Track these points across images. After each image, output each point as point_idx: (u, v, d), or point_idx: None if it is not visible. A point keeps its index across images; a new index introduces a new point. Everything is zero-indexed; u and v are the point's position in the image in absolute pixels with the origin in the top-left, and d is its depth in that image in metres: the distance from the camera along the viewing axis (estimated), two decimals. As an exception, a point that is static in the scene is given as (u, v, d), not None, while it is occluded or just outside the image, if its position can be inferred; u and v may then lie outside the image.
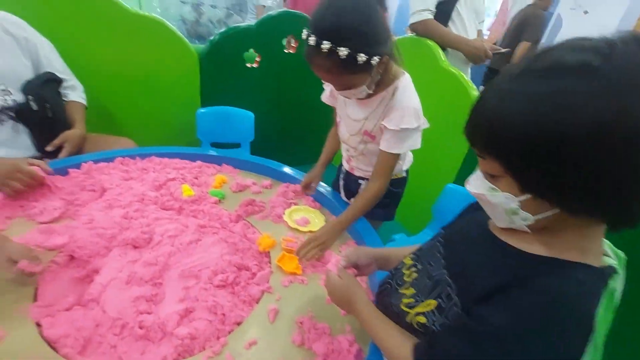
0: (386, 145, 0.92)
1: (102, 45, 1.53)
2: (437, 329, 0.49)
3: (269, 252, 0.90)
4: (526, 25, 3.01)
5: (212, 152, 1.31)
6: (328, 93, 1.09)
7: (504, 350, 0.39)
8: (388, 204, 1.12)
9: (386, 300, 0.62)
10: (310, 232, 1.00)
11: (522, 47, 2.97)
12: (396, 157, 0.94)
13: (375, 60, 0.76)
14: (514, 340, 0.39)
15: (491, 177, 0.44)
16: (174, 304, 0.71)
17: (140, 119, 1.75)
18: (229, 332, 0.68)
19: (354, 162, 1.11)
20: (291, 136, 2.18)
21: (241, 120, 1.73)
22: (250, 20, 2.62)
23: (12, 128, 1.15)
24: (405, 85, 0.90)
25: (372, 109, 0.93)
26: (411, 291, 0.58)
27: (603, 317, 0.41)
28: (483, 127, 0.41)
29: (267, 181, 1.22)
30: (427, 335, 0.51)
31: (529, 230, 0.44)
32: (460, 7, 1.62)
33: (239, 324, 0.70)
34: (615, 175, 0.34)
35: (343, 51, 0.71)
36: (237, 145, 1.76)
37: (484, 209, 0.49)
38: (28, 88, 1.17)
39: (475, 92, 1.49)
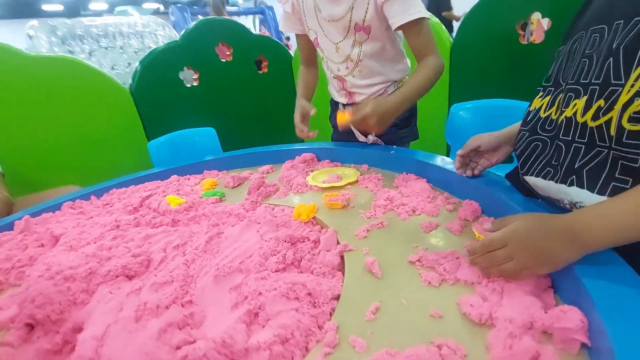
0: (404, 11, 0.73)
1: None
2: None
3: (314, 219, 0.66)
4: None
5: (187, 164, 1.05)
6: (288, 17, 0.92)
7: None
8: (409, 117, 0.95)
9: (550, 150, 0.43)
10: (349, 183, 0.78)
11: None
12: (425, 23, 0.76)
13: None
14: None
15: None
16: (227, 314, 0.44)
17: (85, 170, 1.44)
18: (331, 313, 0.42)
19: (351, 81, 0.89)
20: (259, 137, 1.97)
21: (203, 139, 1.49)
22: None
23: None
24: None
25: None
26: (578, 104, 0.40)
27: None
28: None
29: (265, 167, 0.98)
30: None
31: None
32: None
33: (337, 298, 0.45)
34: None
35: None
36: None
37: None
38: None
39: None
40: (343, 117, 0.76)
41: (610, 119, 0.37)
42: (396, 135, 0.92)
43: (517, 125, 0.55)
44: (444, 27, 1.41)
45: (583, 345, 0.32)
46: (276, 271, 0.50)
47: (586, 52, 0.41)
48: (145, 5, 11.03)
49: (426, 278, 0.44)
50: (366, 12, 0.77)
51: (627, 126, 0.35)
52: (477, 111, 1.21)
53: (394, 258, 0.50)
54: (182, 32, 1.65)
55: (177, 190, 0.89)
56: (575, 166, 0.41)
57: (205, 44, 1.71)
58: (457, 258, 0.47)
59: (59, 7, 9.86)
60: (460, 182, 0.65)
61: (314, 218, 0.66)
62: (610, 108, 0.37)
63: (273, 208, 0.73)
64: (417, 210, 0.62)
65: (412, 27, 0.75)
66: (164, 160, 1.39)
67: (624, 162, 0.36)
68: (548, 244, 0.37)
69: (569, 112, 0.42)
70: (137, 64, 1.54)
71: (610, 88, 0.37)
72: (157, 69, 1.58)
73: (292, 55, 1.98)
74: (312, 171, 0.89)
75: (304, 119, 0.93)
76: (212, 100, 1.77)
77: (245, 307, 0.44)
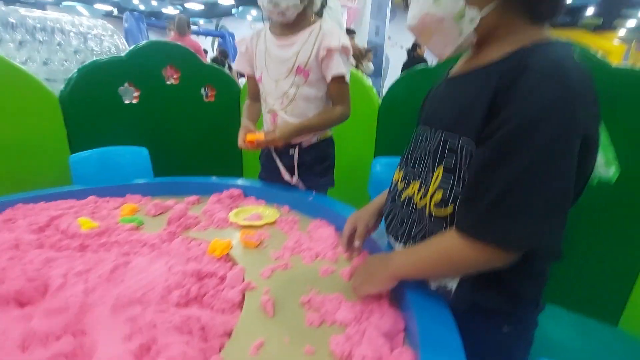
0: (335, 67, 0.91)
1: None
2: (457, 188, 0.47)
3: (228, 255, 0.70)
4: None
5: (109, 185, 1.03)
6: (242, 57, 1.05)
7: (547, 127, 0.37)
8: (326, 167, 1.07)
9: (399, 219, 0.56)
10: (267, 224, 0.85)
11: None
12: (345, 81, 0.95)
13: None
14: (549, 110, 0.37)
15: None
16: (117, 344, 0.46)
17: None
18: (220, 348, 0.47)
19: (282, 117, 0.99)
20: (193, 163, 1.95)
21: (133, 158, 1.45)
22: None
23: None
24: (331, 23, 0.95)
25: (303, 43, 0.93)
26: (414, 186, 0.54)
27: None
28: None
29: (191, 198, 1.00)
30: (454, 205, 0.47)
31: (474, 39, 0.46)
32: None
33: (228, 334, 0.49)
34: None
35: None
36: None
37: (431, 45, 0.50)
38: None
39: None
40: (253, 137, 0.93)
41: (426, 203, 0.51)
42: (315, 182, 1.04)
43: (384, 193, 0.68)
44: (375, 90, 1.62)
45: (412, 378, 0.41)
46: (177, 305, 0.54)
47: (422, 144, 0.55)
48: (98, 6, 10.46)
49: (310, 318, 0.51)
50: (309, 58, 0.92)
51: (434, 212, 0.49)
52: (393, 167, 1.38)
53: (288, 298, 0.57)
54: (129, 49, 1.64)
55: (93, 212, 0.87)
56: (412, 234, 0.55)
57: (152, 65, 1.70)
58: (340, 302, 0.55)
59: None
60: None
61: (227, 254, 0.70)
62: (425, 194, 0.51)
63: (190, 241, 0.76)
64: (320, 255, 0.70)
65: (336, 80, 0.93)
66: (86, 178, 1.33)
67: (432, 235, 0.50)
68: (372, 269, 0.55)
69: (409, 191, 0.56)
70: (75, 70, 1.48)
71: (427, 179, 0.51)
72: (94, 80, 1.52)
73: (240, 88, 2.06)
74: (237, 207, 0.94)
75: (244, 131, 1.01)
76: (150, 120, 1.74)
77: (138, 339, 0.46)
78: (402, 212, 0.58)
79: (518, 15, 0.44)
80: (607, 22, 9.56)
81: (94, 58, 3.81)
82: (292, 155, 1.03)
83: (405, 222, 0.57)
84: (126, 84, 1.63)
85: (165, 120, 1.80)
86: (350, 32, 1.98)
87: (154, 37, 9.53)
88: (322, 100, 0.99)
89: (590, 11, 8.60)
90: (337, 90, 0.96)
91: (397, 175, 0.61)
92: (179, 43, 1.94)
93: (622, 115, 0.97)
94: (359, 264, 0.64)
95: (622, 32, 10.38)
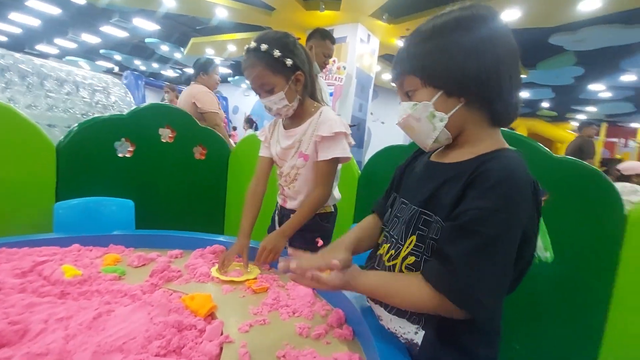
0: (323, 152, 1.01)
1: None
2: (427, 255, 0.55)
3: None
4: None
5: (93, 234, 1.05)
6: (262, 145, 1.18)
7: (495, 220, 0.48)
8: (314, 237, 1.12)
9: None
10: (248, 280, 0.88)
11: None
12: (334, 164, 1.04)
13: (297, 69, 0.99)
14: (500, 208, 0.48)
15: (409, 96, 0.60)
16: (95, 391, 0.47)
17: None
18: (196, 398, 0.48)
19: (285, 191, 1.13)
20: (177, 218, 1.96)
21: (118, 209, 1.47)
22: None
23: None
24: (329, 109, 1.08)
25: (304, 132, 1.05)
26: (384, 247, 0.64)
27: None
28: (406, 58, 0.59)
29: (174, 251, 1.03)
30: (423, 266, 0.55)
31: (449, 135, 0.58)
32: None
33: (204, 385, 0.51)
34: (484, 76, 0.54)
35: (276, 52, 0.94)
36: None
37: (413, 140, 0.63)
38: None
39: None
40: (217, 274, 0.88)
41: (396, 264, 0.59)
42: (301, 249, 1.06)
43: (355, 232, 0.75)
44: (355, 161, 1.79)
45: None
46: (156, 355, 0.55)
47: (397, 213, 0.66)
48: (100, 63, 11.07)
49: (284, 372, 0.54)
50: (308, 144, 1.05)
51: (405, 272, 0.58)
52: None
53: (264, 352, 0.59)
54: (132, 109, 1.77)
55: (76, 260, 0.89)
56: None
57: (151, 124, 1.83)
58: (314, 357, 0.58)
59: (3, 38, 9.36)
60: (334, 293, 0.80)
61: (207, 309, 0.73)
62: (396, 257, 0.59)
63: (171, 293, 0.78)
64: (297, 312, 0.74)
65: (322, 164, 1.03)
66: (70, 226, 1.33)
67: None
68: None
69: (381, 251, 0.65)
70: (76, 124, 1.57)
71: (398, 245, 0.61)
72: (93, 134, 1.61)
73: (232, 148, 2.19)
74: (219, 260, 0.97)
75: (230, 259, 0.95)
76: (140, 174, 1.80)
77: (116, 386, 0.48)
78: (374, 268, 0.67)
79: (479, 119, 0.58)
80: (560, 115, 10.86)
81: (98, 109, 3.95)
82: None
83: None
84: (123, 139, 1.73)
85: (155, 175, 1.87)
86: None
87: (150, 94, 10.01)
88: None
89: (546, 104, 9.80)
90: (321, 171, 1.04)
91: (381, 237, 0.70)
92: (176, 106, 2.10)
93: (560, 198, 1.13)
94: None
95: (574, 123, 11.76)
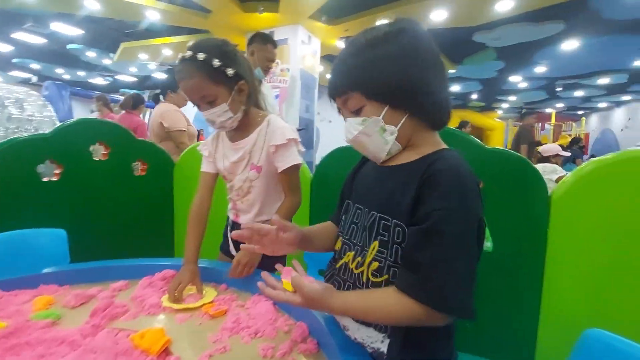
0: (282, 161, 1.00)
1: None
2: (390, 260, 0.56)
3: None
4: None
5: (17, 276, 0.92)
6: (205, 160, 1.11)
7: (456, 217, 0.51)
8: None
9: (336, 282, 0.65)
10: (204, 304, 0.84)
11: None
12: (296, 170, 1.04)
13: (239, 78, 0.95)
14: (458, 205, 0.51)
15: (356, 113, 0.60)
16: None
17: None
18: None
19: (238, 205, 1.09)
20: (119, 244, 1.80)
21: (48, 242, 1.31)
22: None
23: None
24: (276, 117, 1.06)
25: (253, 143, 1.02)
26: (349, 255, 0.64)
27: None
28: (346, 74, 0.60)
29: (118, 283, 0.95)
30: (388, 275, 0.56)
31: (400, 146, 0.61)
32: None
33: None
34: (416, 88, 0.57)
35: (216, 62, 0.89)
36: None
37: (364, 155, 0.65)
38: None
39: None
40: (168, 303, 0.83)
41: (363, 271, 0.60)
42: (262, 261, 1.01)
43: (311, 230, 0.75)
44: (307, 166, 1.78)
45: None
46: (104, 408, 0.50)
47: (355, 220, 0.67)
48: (14, 73, 9.80)
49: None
50: (260, 155, 1.02)
51: (371, 278, 0.59)
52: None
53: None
54: (55, 127, 1.59)
55: (0, 308, 0.77)
56: None
57: (79, 142, 1.66)
58: (279, 379, 0.57)
59: None
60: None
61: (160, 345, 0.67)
62: (362, 264, 0.60)
63: (117, 333, 0.71)
64: (259, 333, 0.72)
65: (286, 172, 1.02)
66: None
67: None
68: (311, 304, 0.56)
69: (346, 259, 0.65)
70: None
71: (364, 251, 0.61)
72: (11, 159, 1.42)
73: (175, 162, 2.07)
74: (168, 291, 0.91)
75: (183, 287, 0.88)
76: (71, 199, 1.63)
77: None
78: (339, 277, 0.67)
79: (423, 125, 0.61)
80: (487, 105, 11.94)
81: (10, 124, 3.46)
82: None
83: (342, 286, 0.65)
84: (47, 161, 1.54)
85: (90, 198, 1.70)
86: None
87: (77, 106, 9.08)
88: (276, 189, 1.08)
89: (474, 96, 10.71)
90: (288, 180, 1.04)
91: (338, 244, 0.70)
92: (109, 120, 1.94)
93: (492, 186, 1.24)
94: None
95: (500, 112, 13.02)
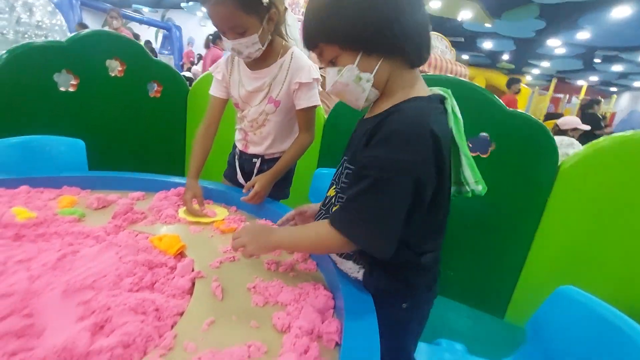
0: (304, 99, 0.99)
1: None
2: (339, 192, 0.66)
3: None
4: None
5: (43, 175, 0.98)
6: (218, 84, 1.08)
7: (382, 164, 0.54)
8: (282, 180, 1.13)
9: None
10: (216, 221, 0.90)
11: None
12: (314, 110, 1.04)
13: (271, 6, 0.88)
14: (387, 154, 0.54)
15: (333, 63, 0.60)
16: (71, 324, 0.49)
17: None
18: (173, 326, 0.52)
19: (250, 136, 1.10)
20: (132, 159, 1.86)
21: (67, 150, 1.36)
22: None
23: None
24: (299, 51, 1.01)
25: (274, 76, 0.99)
26: (332, 192, 0.71)
27: (457, 131, 0.61)
28: (314, 26, 0.59)
29: (136, 193, 1.01)
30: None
31: (378, 92, 0.61)
32: None
33: (181, 315, 0.55)
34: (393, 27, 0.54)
35: None
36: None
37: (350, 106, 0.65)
38: None
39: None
40: (184, 215, 0.91)
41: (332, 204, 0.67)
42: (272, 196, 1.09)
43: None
44: (322, 108, 1.76)
45: (338, 344, 0.52)
46: (129, 291, 0.57)
47: (338, 168, 0.71)
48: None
49: (255, 300, 0.59)
50: (280, 90, 1.00)
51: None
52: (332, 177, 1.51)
53: (236, 285, 0.64)
54: (70, 36, 1.56)
55: (27, 202, 0.84)
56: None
57: (95, 54, 1.63)
58: (282, 287, 0.64)
59: None
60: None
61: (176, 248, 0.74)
62: (330, 209, 0.68)
63: (137, 234, 0.78)
64: (265, 250, 0.78)
65: (306, 110, 1.02)
66: (8, 167, 1.22)
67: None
68: (256, 236, 0.66)
69: (330, 193, 0.71)
70: (5, 52, 1.36)
71: (334, 186, 0.69)
72: (27, 64, 1.42)
73: (189, 88, 2.05)
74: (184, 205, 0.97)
75: (196, 201, 0.95)
76: (87, 111, 1.65)
77: (92, 319, 0.50)
78: (323, 207, 0.74)
79: (401, 66, 0.59)
80: (517, 68, 11.22)
81: (19, 27, 3.36)
82: (255, 163, 1.11)
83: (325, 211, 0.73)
84: (64, 71, 1.54)
85: (106, 112, 1.73)
86: None
87: (87, 18, 8.67)
88: (290, 124, 1.09)
89: (506, 57, 10.04)
90: (305, 118, 1.05)
91: (332, 192, 0.73)
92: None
93: (506, 147, 1.23)
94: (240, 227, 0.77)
95: (529, 78, 12.28)
